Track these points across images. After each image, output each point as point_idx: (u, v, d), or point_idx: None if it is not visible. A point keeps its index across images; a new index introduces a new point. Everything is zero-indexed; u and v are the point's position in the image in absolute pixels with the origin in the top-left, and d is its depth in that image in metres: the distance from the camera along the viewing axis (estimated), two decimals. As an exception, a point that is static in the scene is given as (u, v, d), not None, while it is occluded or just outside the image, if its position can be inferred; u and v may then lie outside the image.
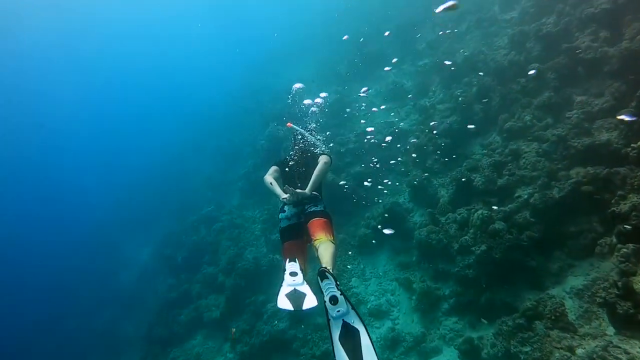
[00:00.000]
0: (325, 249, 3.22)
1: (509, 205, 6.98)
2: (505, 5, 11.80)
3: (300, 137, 4.50)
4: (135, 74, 50.01)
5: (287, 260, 3.14)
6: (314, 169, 3.77)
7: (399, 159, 10.64)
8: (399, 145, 10.79)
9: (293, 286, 2.87)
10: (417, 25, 15.37)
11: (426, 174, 9.33)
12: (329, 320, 2.61)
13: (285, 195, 3.50)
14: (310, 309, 2.71)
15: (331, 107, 12.79)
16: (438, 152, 9.57)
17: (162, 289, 13.54)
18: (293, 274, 2.97)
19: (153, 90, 47.76)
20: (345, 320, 2.57)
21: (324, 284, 2.64)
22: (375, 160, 10.78)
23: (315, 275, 2.76)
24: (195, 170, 23.02)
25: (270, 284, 10.05)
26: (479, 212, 7.08)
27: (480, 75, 9.92)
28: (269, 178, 3.86)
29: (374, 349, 2.46)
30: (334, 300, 2.55)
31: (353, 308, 2.63)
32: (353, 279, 9.25)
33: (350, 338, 2.51)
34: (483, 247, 6.64)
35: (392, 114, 12.29)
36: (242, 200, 14.34)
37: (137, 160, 34.12)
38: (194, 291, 11.49)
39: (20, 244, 30.19)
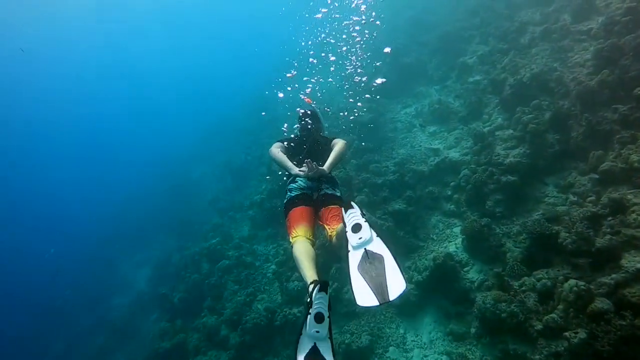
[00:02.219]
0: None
1: (613, 276, 5.57)
2: (579, 14, 10.54)
3: (312, 119, 4.31)
4: (138, 76, 50.48)
5: (309, 277, 2.48)
6: (327, 154, 3.65)
7: (448, 194, 9.35)
8: (449, 180, 9.51)
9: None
10: (465, 36, 14.25)
11: (486, 219, 7.94)
12: (347, 252, 2.40)
13: (301, 169, 3.38)
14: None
15: (363, 128, 11.60)
16: (501, 191, 8.21)
17: (154, 330, 12.30)
18: (356, 227, 2.53)
19: (156, 93, 48.11)
20: (367, 248, 2.36)
21: (347, 214, 2.54)
22: (419, 196, 9.51)
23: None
24: (200, 186, 22.42)
25: (285, 344, 8.75)
26: (571, 282, 5.71)
27: (556, 97, 8.63)
28: (277, 150, 3.74)
29: (401, 270, 2.20)
30: (356, 227, 2.43)
31: (379, 236, 2.41)
32: (390, 349, 7.86)
33: (373, 264, 2.27)
34: (582, 335, 5.26)
35: (436, 140, 11.01)
36: (253, 231, 13.16)
37: (135, 169, 33.79)
38: (190, 344, 10.24)
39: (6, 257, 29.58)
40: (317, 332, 2.12)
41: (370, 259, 2.29)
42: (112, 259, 22.22)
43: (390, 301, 2.11)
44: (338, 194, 3.50)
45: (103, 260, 22.61)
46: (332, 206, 3.30)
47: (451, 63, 14.07)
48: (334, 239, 3.01)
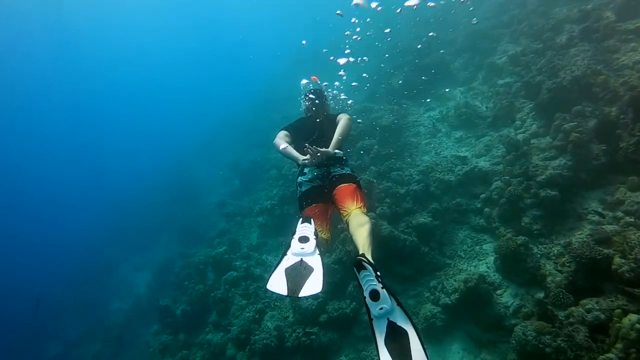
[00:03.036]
0: (358, 224, 3.00)
1: (681, 311, 4.96)
2: (624, 11, 9.87)
3: (317, 97, 4.31)
4: (140, 71, 50.61)
5: (300, 220, 2.94)
6: (332, 130, 3.69)
7: (478, 206, 8.76)
8: (478, 192, 8.92)
9: (300, 256, 2.62)
10: (493, 34, 13.63)
11: (523, 237, 7.33)
12: (371, 320, 2.33)
13: (305, 157, 3.41)
14: (309, 296, 2.40)
15: (384, 132, 11.03)
16: (540, 206, 7.60)
17: (154, 344, 11.83)
18: (303, 239, 2.73)
19: (160, 90, 48.13)
20: (390, 319, 2.28)
21: (361, 276, 2.38)
22: (445, 208, 8.93)
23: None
24: (205, 187, 22.14)
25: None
26: (632, 318, 5.10)
27: (600, 103, 8.00)
28: (281, 141, 3.74)
29: (426, 353, 2.13)
30: (374, 295, 2.27)
31: (399, 304, 2.33)
32: (415, 378, 7.24)
33: (398, 341, 2.21)
34: (648, 382, 4.61)
35: (463, 147, 10.41)
36: (262, 239, 12.66)
37: (137, 167, 33.73)
38: (193, 364, 9.72)
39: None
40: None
41: (398, 334, 2.25)
42: (111, 259, 22.11)
43: None
44: (348, 172, 3.57)
45: (102, 260, 22.44)
46: (342, 184, 3.42)
47: (477, 63, 13.48)
48: (350, 225, 3.08)
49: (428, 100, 12.75)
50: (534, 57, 10.98)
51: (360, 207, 3.25)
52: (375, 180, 9.57)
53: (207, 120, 33.00)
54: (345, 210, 3.26)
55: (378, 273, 2.41)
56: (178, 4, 46.42)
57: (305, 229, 2.85)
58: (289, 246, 2.74)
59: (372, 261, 2.52)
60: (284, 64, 28.84)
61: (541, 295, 6.76)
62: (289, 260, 2.62)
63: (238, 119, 26.98)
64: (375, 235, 8.15)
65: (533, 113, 9.78)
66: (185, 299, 11.53)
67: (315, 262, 2.61)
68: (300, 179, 3.60)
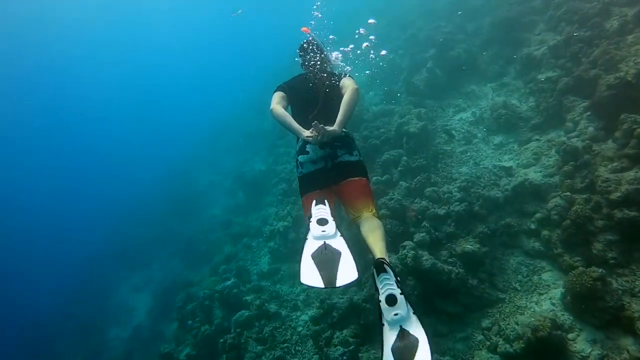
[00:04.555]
0: (372, 228, 2.98)
1: None
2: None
3: (316, 52, 4.07)
4: (135, 70, 50.01)
5: (314, 203, 2.89)
6: (336, 99, 3.50)
7: (532, 227, 7.73)
8: (531, 210, 7.89)
9: (322, 239, 2.63)
10: (524, 21, 12.55)
11: (599, 270, 6.26)
12: (382, 325, 2.37)
13: (308, 133, 3.17)
14: (347, 285, 2.44)
15: (412, 140, 9.95)
16: (615, 229, 6.54)
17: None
18: (322, 221, 2.70)
19: (157, 90, 47.48)
20: (403, 327, 2.32)
21: (380, 279, 2.40)
22: (493, 230, 7.89)
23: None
24: (207, 198, 21.37)
25: None
26: None
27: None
28: (280, 108, 3.51)
29: None
30: (391, 300, 2.31)
31: (415, 313, 2.38)
32: None
33: (407, 348, 2.24)
34: None
35: (505, 155, 9.33)
36: (274, 264, 11.60)
37: (133, 175, 33.02)
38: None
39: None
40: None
41: (407, 343, 2.25)
42: (109, 276, 21.37)
43: None
44: (356, 158, 3.43)
45: (99, 277, 21.74)
46: (352, 178, 3.32)
47: (508, 55, 12.42)
48: (362, 229, 3.01)
49: (459, 100, 11.68)
50: (582, 47, 9.88)
51: (373, 212, 3.20)
52: (405, 201, 8.51)
53: (206, 123, 32.29)
54: (355, 212, 3.23)
55: (398, 279, 2.43)
56: (177, 6, 45.86)
57: (321, 210, 2.78)
58: (308, 229, 2.71)
59: (392, 266, 2.48)
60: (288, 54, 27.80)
61: (627, 341, 5.76)
62: (311, 245, 2.60)
63: (240, 120, 26.08)
64: (416, 269, 6.90)
65: (588, 113, 8.71)
66: (190, 340, 10.52)
67: (340, 244, 2.59)
68: (301, 157, 3.43)
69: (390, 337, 2.29)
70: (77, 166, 39.84)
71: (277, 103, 3.57)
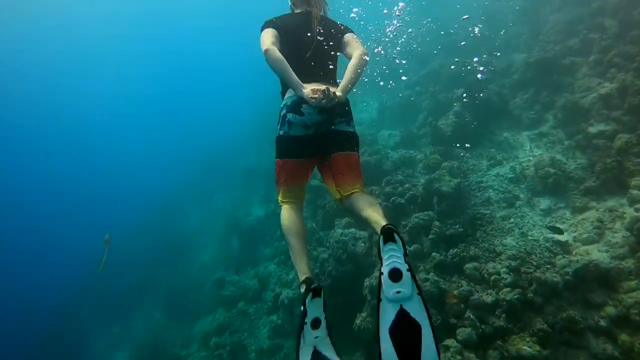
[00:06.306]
0: (371, 202, 2.81)
1: None
2: None
3: None
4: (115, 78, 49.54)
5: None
6: (333, 53, 3.29)
7: (603, 325, 6.52)
8: (598, 300, 6.70)
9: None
10: (564, 63, 11.67)
11: None
12: (379, 300, 2.12)
13: (311, 94, 2.84)
14: None
15: (445, 201, 8.77)
16: None
17: None
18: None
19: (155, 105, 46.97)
20: (404, 307, 2.07)
21: (386, 249, 2.18)
22: (551, 325, 6.68)
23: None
24: (196, 244, 20.19)
25: None
26: None
27: None
28: (277, 52, 3.01)
29: (439, 353, 1.95)
30: (395, 274, 2.09)
31: (420, 293, 2.13)
32: None
33: (406, 334, 2.01)
34: None
35: (557, 224, 8.14)
36: (276, 339, 10.25)
37: (113, 207, 31.74)
38: None
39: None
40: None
41: (407, 326, 2.04)
42: (85, 325, 19.79)
43: None
44: (353, 129, 3.20)
45: (73, 326, 20.10)
46: (345, 152, 3.09)
47: (546, 101, 11.44)
48: (355, 203, 2.86)
49: (491, 150, 10.59)
50: (643, 97, 8.88)
51: (361, 188, 3.00)
52: (443, 282, 7.25)
53: (196, 151, 31.36)
54: (347, 188, 2.97)
55: (407, 253, 2.25)
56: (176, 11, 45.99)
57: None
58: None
59: (402, 237, 2.22)
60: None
61: None
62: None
63: (235, 153, 25.09)
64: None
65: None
66: None
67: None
68: (292, 116, 3.04)
69: (387, 315, 2.08)
70: (54, 198, 38.29)
71: (272, 43, 3.08)
